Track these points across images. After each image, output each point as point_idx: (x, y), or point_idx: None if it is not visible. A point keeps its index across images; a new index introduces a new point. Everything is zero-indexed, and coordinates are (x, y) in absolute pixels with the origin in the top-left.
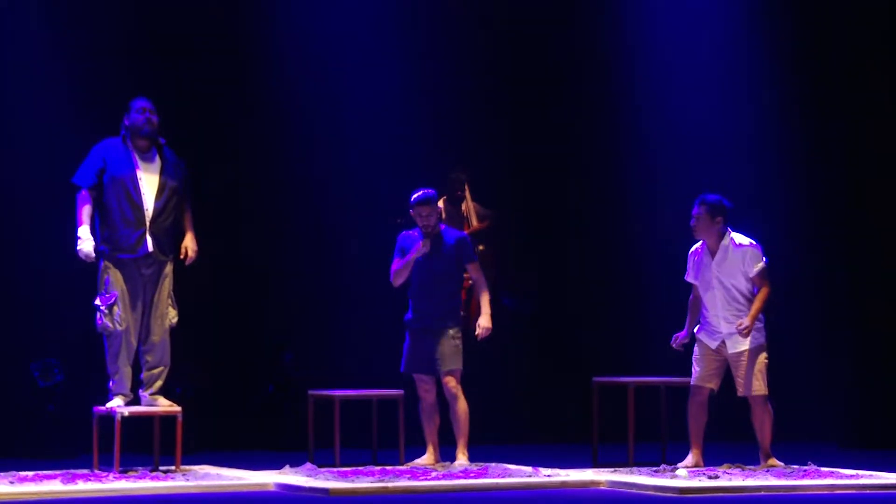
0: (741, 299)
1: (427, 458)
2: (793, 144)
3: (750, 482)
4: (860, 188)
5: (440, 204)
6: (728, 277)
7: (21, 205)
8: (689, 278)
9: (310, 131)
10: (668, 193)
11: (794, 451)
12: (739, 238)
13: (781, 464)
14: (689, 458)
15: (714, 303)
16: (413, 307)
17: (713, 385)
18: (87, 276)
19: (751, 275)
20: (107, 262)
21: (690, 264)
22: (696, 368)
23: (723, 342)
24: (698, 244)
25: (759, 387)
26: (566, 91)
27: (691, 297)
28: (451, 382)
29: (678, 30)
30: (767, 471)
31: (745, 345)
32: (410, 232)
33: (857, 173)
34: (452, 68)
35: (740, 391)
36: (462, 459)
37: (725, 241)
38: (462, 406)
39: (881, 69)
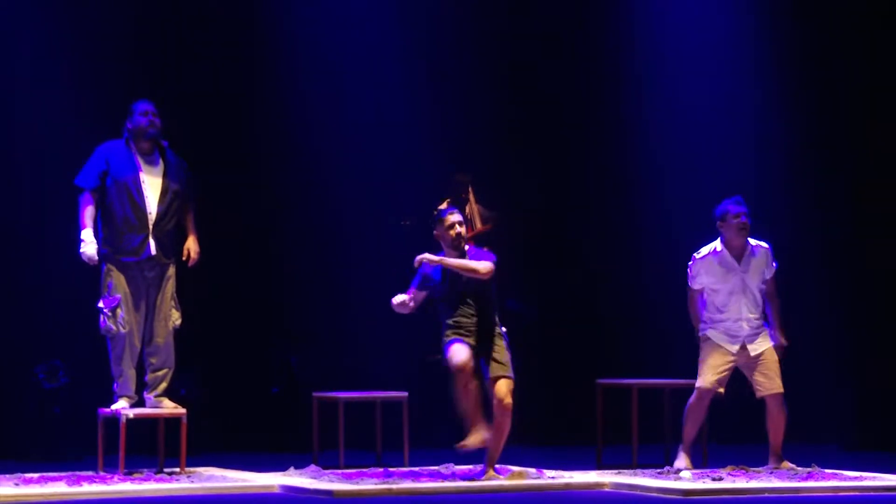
0: (759, 301)
1: (477, 437)
2: (795, 147)
3: (754, 484)
4: (863, 188)
5: (445, 206)
6: (753, 280)
7: (24, 207)
8: (704, 284)
9: (314, 132)
10: (673, 195)
11: (795, 452)
12: (754, 241)
13: (793, 465)
14: (682, 460)
15: (739, 306)
16: (456, 326)
17: (722, 389)
18: (90, 278)
19: (768, 277)
20: (110, 265)
21: (703, 269)
22: (706, 371)
23: (743, 345)
24: (709, 249)
25: (780, 384)
26: (571, 93)
27: (698, 303)
28: (508, 392)
29: (684, 29)
30: (771, 472)
31: (765, 344)
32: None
33: (859, 174)
34: (457, 69)
35: (761, 391)
36: (490, 475)
37: (748, 245)
38: (508, 424)
39: (887, 69)
